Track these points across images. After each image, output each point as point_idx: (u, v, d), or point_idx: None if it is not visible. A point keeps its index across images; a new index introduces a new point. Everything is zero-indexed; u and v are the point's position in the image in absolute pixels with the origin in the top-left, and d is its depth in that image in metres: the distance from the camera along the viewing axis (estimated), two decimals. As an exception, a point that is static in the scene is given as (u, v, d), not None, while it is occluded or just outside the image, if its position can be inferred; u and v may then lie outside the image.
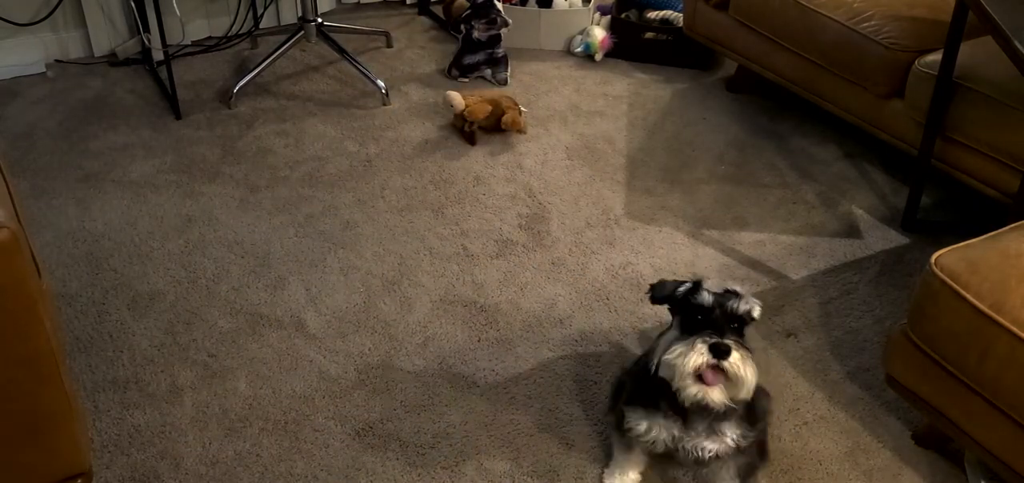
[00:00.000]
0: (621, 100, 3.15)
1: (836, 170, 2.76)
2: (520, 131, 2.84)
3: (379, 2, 3.92)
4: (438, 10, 3.80)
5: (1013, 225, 1.66)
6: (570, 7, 3.49)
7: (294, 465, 1.71)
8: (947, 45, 2.22)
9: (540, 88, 3.21)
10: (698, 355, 1.40)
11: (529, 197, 2.56)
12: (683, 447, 1.53)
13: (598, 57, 3.42)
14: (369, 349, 1.99)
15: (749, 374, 1.41)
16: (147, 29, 3.06)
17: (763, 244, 2.41)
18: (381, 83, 3.07)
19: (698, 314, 1.45)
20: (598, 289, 2.21)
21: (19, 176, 2.54)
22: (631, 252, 2.35)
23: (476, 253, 2.32)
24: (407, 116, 2.98)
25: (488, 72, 3.24)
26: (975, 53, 2.29)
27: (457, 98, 2.82)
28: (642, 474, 1.70)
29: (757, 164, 2.78)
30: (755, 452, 1.61)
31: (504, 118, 2.80)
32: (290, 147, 2.76)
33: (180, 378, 1.89)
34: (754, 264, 2.32)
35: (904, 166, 2.74)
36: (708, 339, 1.41)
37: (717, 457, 1.53)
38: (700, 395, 1.42)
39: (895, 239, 2.45)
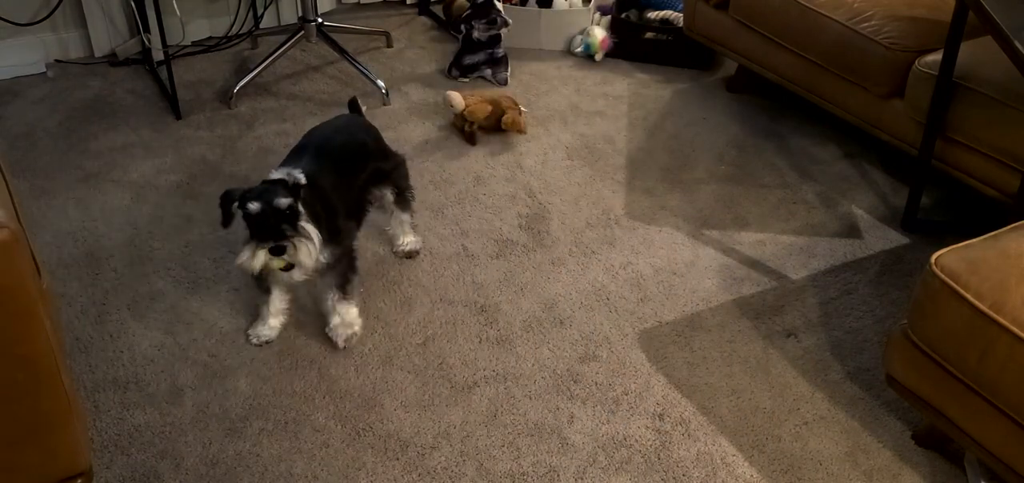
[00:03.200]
0: (621, 100, 3.15)
1: (836, 170, 2.76)
2: (520, 131, 2.84)
3: (379, 2, 3.92)
4: (438, 10, 3.80)
5: (1013, 225, 1.66)
6: (570, 7, 3.49)
7: (294, 465, 1.71)
8: (947, 45, 2.22)
9: (540, 88, 3.21)
10: (258, 260, 1.72)
11: (529, 197, 2.56)
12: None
13: (598, 57, 3.42)
14: (369, 349, 1.99)
15: (304, 257, 1.73)
16: (147, 29, 3.06)
17: (763, 244, 2.41)
18: (381, 83, 3.07)
19: (253, 220, 1.72)
20: (598, 289, 2.21)
21: (19, 176, 2.54)
22: (631, 252, 2.35)
23: (476, 253, 2.32)
24: (407, 116, 2.98)
25: (488, 72, 3.24)
26: (975, 53, 2.29)
27: (457, 98, 2.82)
28: (283, 323, 1.99)
29: (757, 164, 2.78)
30: (346, 264, 1.94)
31: (504, 118, 2.80)
32: (290, 147, 2.75)
33: (180, 378, 1.89)
34: (754, 264, 2.32)
35: (904, 166, 2.74)
36: (264, 244, 1.71)
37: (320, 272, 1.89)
38: (285, 278, 1.83)
39: (895, 239, 2.45)
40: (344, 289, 1.95)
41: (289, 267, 1.76)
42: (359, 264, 2.03)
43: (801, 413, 1.88)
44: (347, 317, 1.96)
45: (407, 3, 3.93)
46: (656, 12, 3.44)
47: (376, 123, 2.91)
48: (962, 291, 1.51)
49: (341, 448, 1.75)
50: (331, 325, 1.97)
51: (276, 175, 1.79)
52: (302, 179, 1.76)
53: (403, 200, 2.21)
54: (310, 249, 1.74)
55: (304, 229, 1.74)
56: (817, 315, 2.16)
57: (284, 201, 1.71)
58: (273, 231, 1.71)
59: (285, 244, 1.70)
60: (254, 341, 1.96)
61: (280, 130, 2.85)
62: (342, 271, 1.94)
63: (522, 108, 2.88)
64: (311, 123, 2.89)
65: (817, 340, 2.08)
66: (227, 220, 1.79)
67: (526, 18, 3.46)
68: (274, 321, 1.98)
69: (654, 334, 2.08)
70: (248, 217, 1.72)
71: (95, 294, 2.12)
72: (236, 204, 1.74)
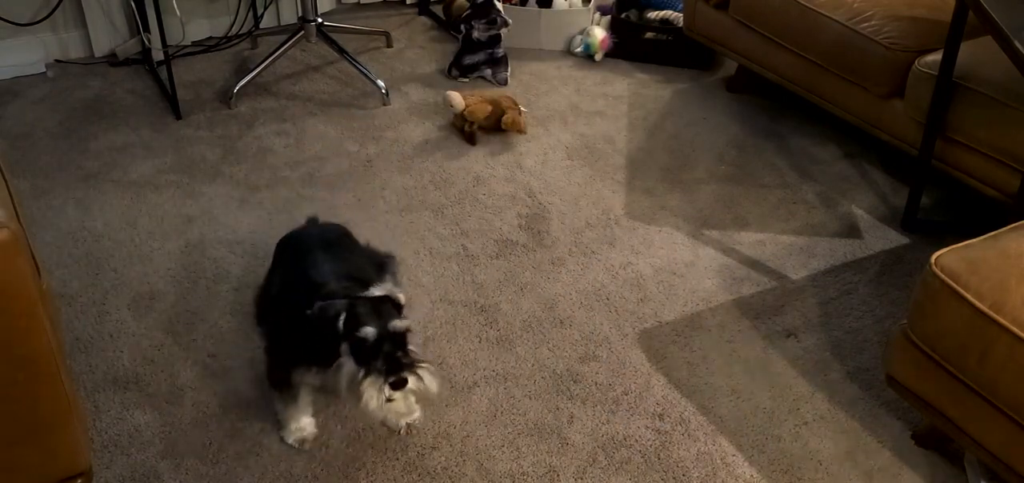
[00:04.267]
0: (621, 100, 3.15)
1: (836, 170, 2.76)
2: (520, 131, 2.84)
3: (379, 2, 3.92)
4: (438, 10, 3.80)
5: (1013, 225, 1.66)
6: (570, 7, 3.49)
7: (294, 465, 1.71)
8: (947, 45, 2.22)
9: (540, 88, 3.21)
10: (384, 394, 1.44)
11: (529, 197, 2.56)
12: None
13: (598, 57, 3.42)
14: (369, 349, 1.99)
15: (431, 384, 1.47)
16: (147, 29, 3.06)
17: (763, 244, 2.41)
18: (381, 83, 3.07)
19: (365, 344, 1.46)
20: (598, 289, 2.21)
21: (19, 176, 2.54)
22: (631, 252, 2.35)
23: (476, 253, 2.32)
24: (407, 116, 2.98)
25: (488, 72, 3.24)
26: (975, 53, 2.29)
27: (457, 98, 2.82)
28: (313, 415, 1.77)
29: (757, 164, 2.78)
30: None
31: (504, 118, 2.80)
32: (290, 147, 2.76)
33: (180, 378, 1.89)
34: (754, 264, 2.32)
35: (904, 166, 2.74)
36: (387, 377, 1.43)
37: None
38: (396, 420, 1.57)
39: (895, 239, 2.45)
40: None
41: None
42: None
43: (801, 413, 1.88)
44: (408, 404, 1.65)
45: (407, 3, 3.93)
46: (656, 12, 3.44)
47: (375, 124, 2.93)
48: (962, 291, 1.51)
49: (341, 448, 1.75)
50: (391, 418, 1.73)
51: (327, 280, 1.60)
52: (402, 298, 1.56)
53: None
54: (430, 377, 1.48)
55: (418, 355, 1.50)
56: (817, 315, 2.16)
57: (402, 324, 1.48)
58: (389, 359, 1.45)
59: (404, 377, 1.44)
60: (295, 443, 1.73)
61: (280, 130, 2.85)
62: None
63: (522, 108, 2.88)
64: (312, 123, 2.91)
65: (817, 340, 2.08)
66: (330, 351, 1.52)
67: (526, 18, 3.46)
68: (307, 417, 1.75)
69: (654, 334, 2.08)
70: (358, 344, 1.47)
71: (95, 294, 2.12)
72: (342, 324, 1.49)
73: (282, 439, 1.75)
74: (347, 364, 1.49)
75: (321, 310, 1.52)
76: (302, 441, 1.74)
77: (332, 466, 1.71)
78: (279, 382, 1.70)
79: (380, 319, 1.48)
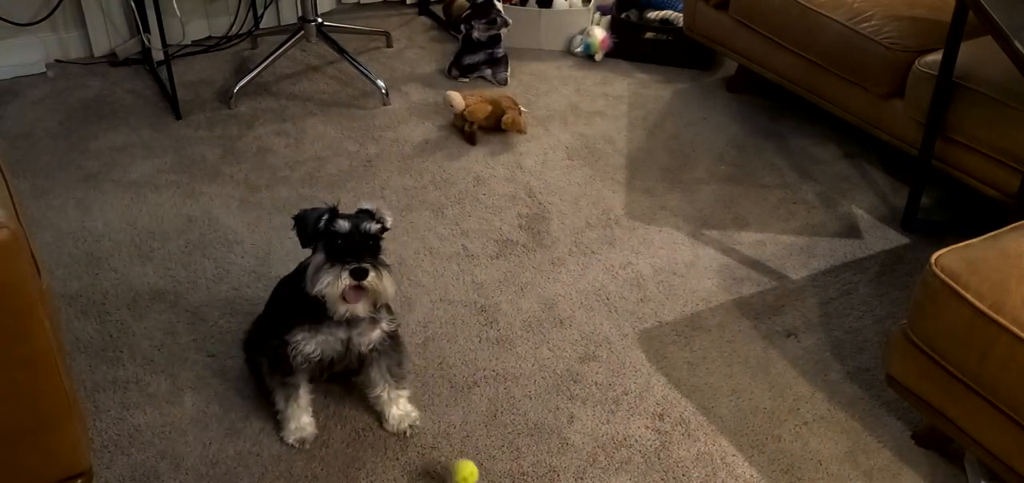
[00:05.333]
0: (621, 100, 3.15)
1: (836, 170, 2.76)
2: (520, 131, 2.84)
3: (379, 2, 3.92)
4: (438, 10, 3.80)
5: (1013, 225, 1.66)
6: (570, 7, 3.49)
7: (294, 465, 1.71)
8: (947, 45, 2.22)
9: (540, 88, 3.21)
10: (341, 282, 1.57)
11: (529, 197, 2.56)
12: (352, 344, 1.70)
13: (598, 57, 3.42)
14: (369, 349, 1.99)
15: (387, 285, 1.61)
16: (147, 29, 3.06)
17: (763, 244, 2.41)
18: (381, 83, 3.07)
19: (338, 239, 1.59)
20: (598, 289, 2.21)
21: (19, 176, 2.54)
22: (631, 252, 2.35)
23: (476, 253, 2.32)
24: (407, 116, 2.98)
25: (488, 72, 3.24)
26: (975, 53, 2.29)
27: (457, 98, 2.82)
28: (313, 415, 1.78)
29: (757, 164, 2.78)
30: (399, 348, 1.80)
31: (504, 118, 2.80)
32: (290, 147, 2.76)
33: (180, 378, 1.89)
34: (754, 264, 2.32)
35: (904, 166, 2.74)
36: (348, 265, 1.57)
37: (375, 350, 1.74)
38: (347, 312, 1.61)
39: (895, 239, 2.45)
40: (400, 376, 1.80)
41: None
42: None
43: (801, 413, 1.88)
44: (406, 407, 1.80)
45: (407, 3, 3.93)
46: (656, 12, 3.44)
47: (375, 124, 2.93)
48: (962, 291, 1.51)
49: (341, 448, 1.75)
50: (390, 420, 1.79)
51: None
52: (388, 220, 1.66)
53: None
54: (390, 280, 1.61)
55: (383, 261, 1.63)
56: (817, 315, 2.16)
57: (373, 226, 1.61)
58: (356, 256, 1.58)
59: (366, 268, 1.57)
60: (294, 443, 1.75)
61: (280, 130, 2.85)
62: (397, 356, 1.79)
63: (522, 108, 2.88)
64: (312, 123, 2.91)
65: (817, 340, 2.08)
66: (309, 240, 1.66)
67: (526, 18, 3.46)
68: (307, 417, 1.76)
69: (654, 334, 2.08)
70: (332, 237, 1.59)
71: (95, 294, 2.12)
72: (323, 222, 1.61)
73: (282, 439, 1.75)
74: (318, 258, 1.61)
75: (305, 211, 1.66)
76: (302, 441, 1.74)
77: (332, 466, 1.71)
78: (278, 364, 1.71)
79: (357, 222, 1.61)
